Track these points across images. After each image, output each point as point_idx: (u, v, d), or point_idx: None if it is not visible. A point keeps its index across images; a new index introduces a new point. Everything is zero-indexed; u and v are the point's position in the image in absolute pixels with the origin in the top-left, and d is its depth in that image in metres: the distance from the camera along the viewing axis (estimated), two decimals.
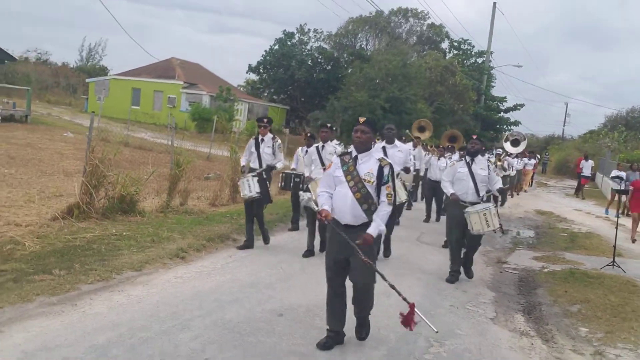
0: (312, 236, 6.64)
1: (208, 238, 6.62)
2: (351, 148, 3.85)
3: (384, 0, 69.34)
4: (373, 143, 3.90)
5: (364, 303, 3.83)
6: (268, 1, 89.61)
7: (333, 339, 3.79)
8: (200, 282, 5.03)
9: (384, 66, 26.80)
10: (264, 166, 6.60)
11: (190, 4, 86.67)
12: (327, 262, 3.83)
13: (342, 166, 3.76)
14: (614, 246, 7.34)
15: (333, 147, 6.86)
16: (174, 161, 8.62)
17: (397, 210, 7.54)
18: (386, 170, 3.70)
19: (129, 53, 62.51)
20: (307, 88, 33.93)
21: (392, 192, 3.74)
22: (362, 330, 3.92)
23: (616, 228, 7.64)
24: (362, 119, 3.79)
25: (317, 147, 6.93)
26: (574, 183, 21.90)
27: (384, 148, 6.29)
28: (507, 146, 13.70)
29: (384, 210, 3.70)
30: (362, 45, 34.99)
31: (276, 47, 33.61)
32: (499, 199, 11.47)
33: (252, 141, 6.78)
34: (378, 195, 3.70)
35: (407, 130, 11.56)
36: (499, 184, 6.15)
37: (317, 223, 6.37)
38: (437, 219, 10.46)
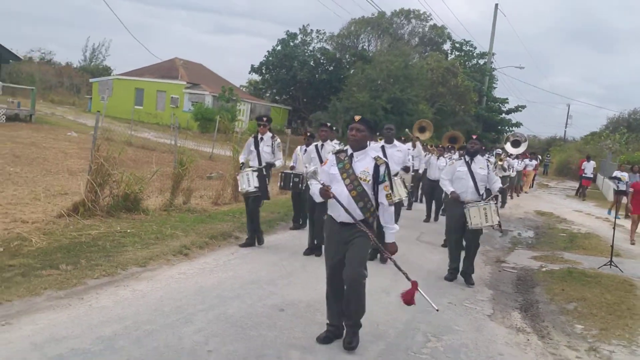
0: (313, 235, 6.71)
1: (210, 236, 6.72)
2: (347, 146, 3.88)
3: (386, 2, 69.54)
4: (369, 142, 3.94)
5: (353, 304, 3.71)
6: (270, 1, 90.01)
7: (333, 333, 3.86)
8: (203, 278, 5.12)
9: (386, 67, 26.89)
10: (264, 164, 6.66)
11: (192, 4, 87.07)
12: (326, 261, 3.90)
13: (338, 164, 3.75)
14: (612, 246, 7.42)
15: (332, 146, 6.90)
16: (177, 160, 8.75)
17: (395, 209, 7.58)
18: (382, 169, 3.70)
19: (131, 53, 62.72)
20: (309, 89, 34.03)
21: (391, 192, 3.76)
22: (353, 340, 3.74)
23: (614, 228, 7.73)
24: (357, 117, 3.80)
25: (316, 146, 6.99)
26: (576, 184, 21.93)
27: (383, 147, 6.38)
28: (508, 147, 13.74)
29: (387, 212, 3.75)
30: (364, 46, 35.11)
31: (279, 47, 33.70)
32: (499, 199, 11.51)
33: (251, 140, 6.83)
34: (374, 194, 3.71)
35: (407, 130, 11.60)
36: (498, 183, 6.18)
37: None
38: (436, 219, 10.52)
